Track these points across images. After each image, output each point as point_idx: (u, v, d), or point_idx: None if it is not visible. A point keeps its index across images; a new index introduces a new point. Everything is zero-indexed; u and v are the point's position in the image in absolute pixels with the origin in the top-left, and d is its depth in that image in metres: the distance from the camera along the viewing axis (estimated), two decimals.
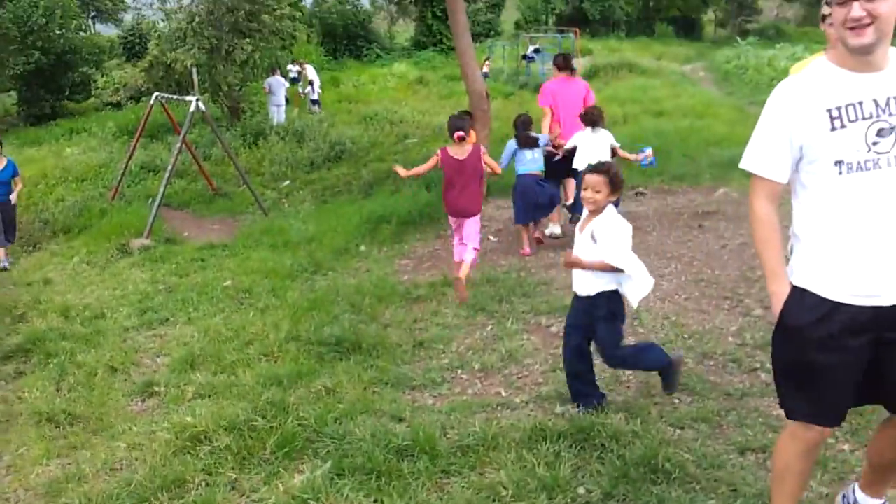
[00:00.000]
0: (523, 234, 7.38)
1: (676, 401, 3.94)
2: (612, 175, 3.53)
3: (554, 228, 7.75)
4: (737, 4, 45.75)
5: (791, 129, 2.28)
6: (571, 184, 7.63)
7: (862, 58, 2.18)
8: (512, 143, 7.21)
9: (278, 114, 17.64)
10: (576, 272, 3.70)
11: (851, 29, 2.13)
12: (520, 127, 7.24)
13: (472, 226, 6.18)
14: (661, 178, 9.90)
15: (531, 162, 7.15)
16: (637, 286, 3.59)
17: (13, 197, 9.33)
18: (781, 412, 2.51)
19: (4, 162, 9.28)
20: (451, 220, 6.40)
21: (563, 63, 7.99)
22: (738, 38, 35.09)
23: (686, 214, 8.26)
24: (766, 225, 2.41)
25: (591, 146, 6.88)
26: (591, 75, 23.17)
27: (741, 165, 2.45)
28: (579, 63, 24.86)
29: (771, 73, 21.27)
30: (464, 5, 11.09)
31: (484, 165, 6.15)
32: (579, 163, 6.90)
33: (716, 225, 7.66)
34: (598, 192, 3.51)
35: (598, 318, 3.66)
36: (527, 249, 7.29)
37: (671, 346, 4.64)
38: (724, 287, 5.71)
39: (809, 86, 2.27)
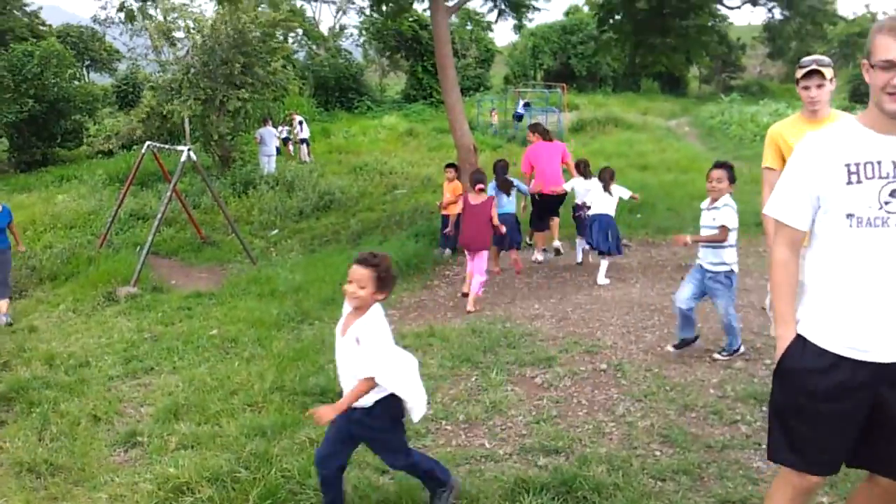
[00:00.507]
0: (496, 257, 8.51)
1: (658, 453, 3.97)
2: (382, 271, 3.09)
3: (538, 255, 9.26)
4: (721, 62, 46.87)
5: (811, 179, 2.37)
6: (555, 222, 9.32)
7: (893, 121, 2.26)
8: (493, 185, 8.30)
9: (269, 164, 17.80)
10: (346, 379, 3.21)
11: (890, 94, 2.21)
12: (499, 171, 8.41)
13: (479, 262, 7.47)
14: (645, 231, 10.06)
15: (508, 203, 8.33)
16: (414, 405, 3.23)
17: (20, 246, 9.30)
18: (762, 465, 2.51)
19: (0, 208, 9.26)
20: (467, 253, 7.64)
21: (542, 131, 9.49)
22: (722, 95, 36.04)
23: (669, 267, 8.38)
24: (782, 270, 2.48)
25: (584, 189, 8.24)
26: (577, 129, 23.66)
27: (764, 211, 2.53)
28: (566, 117, 25.40)
29: (754, 129, 21.79)
30: (453, 60, 11.39)
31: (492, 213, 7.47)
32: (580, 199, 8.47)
33: None
34: (362, 287, 3.06)
35: (377, 429, 3.23)
36: (497, 269, 8.57)
37: (654, 398, 4.69)
38: (706, 339, 5.78)
39: (833, 140, 2.37)
